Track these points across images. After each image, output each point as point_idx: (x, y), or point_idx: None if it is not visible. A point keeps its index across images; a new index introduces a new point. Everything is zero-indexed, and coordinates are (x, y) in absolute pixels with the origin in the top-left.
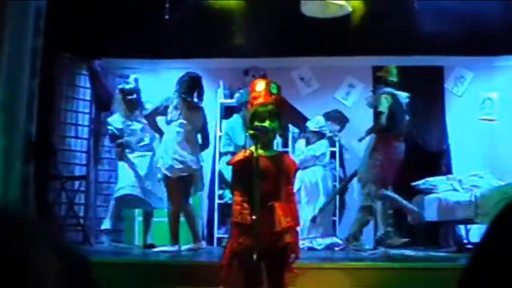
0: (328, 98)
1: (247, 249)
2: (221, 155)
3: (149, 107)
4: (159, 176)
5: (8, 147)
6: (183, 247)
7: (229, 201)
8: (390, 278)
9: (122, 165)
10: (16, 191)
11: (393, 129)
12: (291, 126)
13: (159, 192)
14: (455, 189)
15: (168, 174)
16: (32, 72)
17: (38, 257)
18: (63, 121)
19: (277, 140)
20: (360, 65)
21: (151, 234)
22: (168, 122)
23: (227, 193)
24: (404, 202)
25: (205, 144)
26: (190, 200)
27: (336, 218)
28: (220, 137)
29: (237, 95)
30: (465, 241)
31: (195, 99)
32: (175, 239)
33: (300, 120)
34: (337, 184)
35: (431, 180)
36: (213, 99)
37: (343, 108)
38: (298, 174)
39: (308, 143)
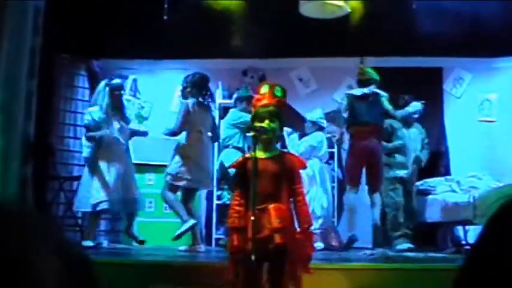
0: (327, 98)
1: (242, 251)
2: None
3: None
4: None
5: (6, 148)
6: (182, 247)
7: (228, 202)
8: (389, 279)
9: (98, 170)
10: (14, 191)
11: (353, 127)
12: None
13: (138, 196)
14: (453, 191)
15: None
16: (30, 73)
17: (38, 256)
18: (61, 121)
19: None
20: (359, 66)
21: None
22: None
23: (225, 193)
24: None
25: (215, 138)
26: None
27: (335, 219)
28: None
29: (235, 95)
30: (463, 242)
31: (208, 99)
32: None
33: (299, 121)
34: (335, 185)
35: (430, 181)
36: None
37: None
38: None
39: (302, 136)
